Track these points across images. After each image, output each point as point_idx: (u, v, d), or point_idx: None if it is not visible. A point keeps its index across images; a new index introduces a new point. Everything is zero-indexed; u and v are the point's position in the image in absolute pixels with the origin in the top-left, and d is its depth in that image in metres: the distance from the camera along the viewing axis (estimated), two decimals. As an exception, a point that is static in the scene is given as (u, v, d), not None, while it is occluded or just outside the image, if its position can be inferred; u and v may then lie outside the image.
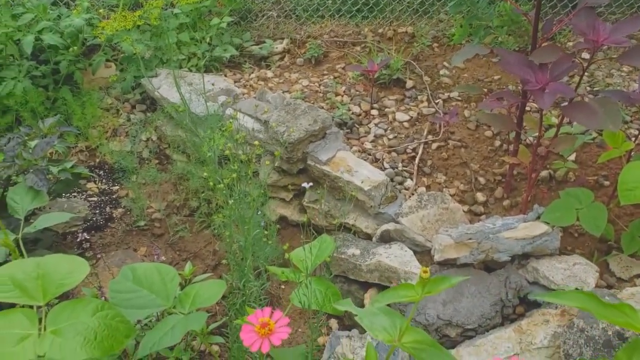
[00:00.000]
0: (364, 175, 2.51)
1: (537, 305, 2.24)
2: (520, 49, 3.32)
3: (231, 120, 2.73)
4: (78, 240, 2.50)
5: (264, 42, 3.52)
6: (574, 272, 2.11)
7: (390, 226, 2.38)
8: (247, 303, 1.79)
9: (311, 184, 2.03)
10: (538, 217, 2.26)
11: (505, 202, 2.61)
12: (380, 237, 2.43)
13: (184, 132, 2.97)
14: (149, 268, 1.54)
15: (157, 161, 3.06)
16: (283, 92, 3.11)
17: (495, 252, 2.18)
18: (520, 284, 2.18)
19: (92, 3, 3.10)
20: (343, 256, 2.38)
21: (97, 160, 3.00)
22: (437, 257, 2.22)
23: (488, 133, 2.89)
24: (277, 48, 3.45)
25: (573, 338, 1.89)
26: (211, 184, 2.14)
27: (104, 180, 2.91)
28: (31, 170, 1.93)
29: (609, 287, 2.20)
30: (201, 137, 2.67)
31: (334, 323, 2.43)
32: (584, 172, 2.68)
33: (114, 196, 2.86)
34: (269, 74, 3.31)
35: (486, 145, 2.85)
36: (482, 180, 2.70)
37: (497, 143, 2.84)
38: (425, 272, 1.01)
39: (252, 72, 3.31)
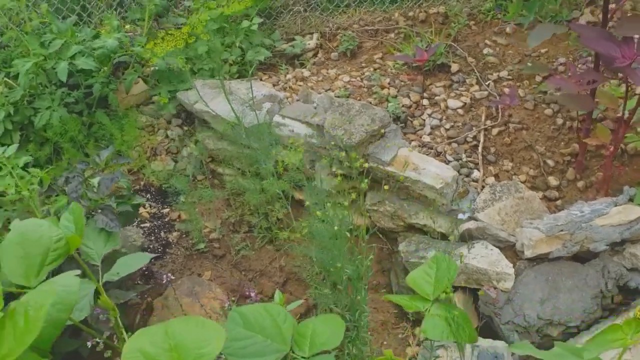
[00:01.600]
0: (432, 172, 2.37)
1: (635, 292, 2.12)
2: (575, 20, 3.17)
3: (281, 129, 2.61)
4: (140, 273, 2.38)
5: (294, 39, 3.36)
6: (680, 255, 1.99)
7: (471, 224, 2.26)
8: (359, 335, 1.67)
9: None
10: (630, 200, 2.13)
11: (580, 184, 2.48)
12: (461, 237, 2.30)
13: (229, 145, 2.83)
14: (258, 310, 1.41)
15: (202, 177, 2.93)
16: (325, 91, 2.97)
17: (591, 242, 2.05)
18: (620, 272, 2.06)
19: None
20: (423, 260, 2.25)
21: (142, 182, 2.87)
22: (528, 254, 2.10)
23: (548, 111, 2.75)
24: (309, 44, 3.30)
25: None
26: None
27: (152, 204, 2.79)
28: (99, 211, 1.80)
29: None
30: (254, 148, 2.54)
31: (419, 332, 2.31)
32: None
33: (166, 219, 2.74)
34: (306, 72, 3.16)
35: (548, 125, 2.71)
36: (550, 162, 2.57)
37: (560, 121, 2.70)
38: (644, 312, 0.88)
39: (288, 73, 3.16)
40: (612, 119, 2.62)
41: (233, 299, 2.42)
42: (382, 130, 2.50)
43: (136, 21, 3.07)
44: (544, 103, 2.80)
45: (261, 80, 3.11)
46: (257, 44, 3.18)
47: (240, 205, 2.72)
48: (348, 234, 1.90)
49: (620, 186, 2.39)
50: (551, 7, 3.19)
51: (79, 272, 1.25)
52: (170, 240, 2.65)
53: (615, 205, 2.12)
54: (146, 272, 2.43)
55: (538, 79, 2.93)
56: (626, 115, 2.15)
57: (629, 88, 2.02)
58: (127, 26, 2.74)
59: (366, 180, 1.83)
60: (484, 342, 1.96)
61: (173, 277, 1.72)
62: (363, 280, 1.70)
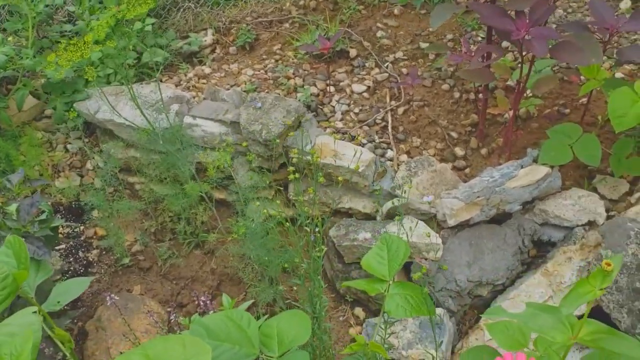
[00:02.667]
0: (351, 156, 2.45)
1: (547, 244, 2.33)
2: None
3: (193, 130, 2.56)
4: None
5: (188, 36, 3.29)
6: (583, 205, 2.21)
7: (396, 202, 2.36)
8: (320, 326, 1.69)
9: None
10: (534, 161, 2.33)
11: (483, 151, 2.67)
12: (387, 215, 2.40)
13: (138, 152, 2.73)
14: (220, 318, 1.40)
15: (112, 189, 2.81)
16: (231, 86, 2.94)
17: (506, 204, 2.23)
18: (533, 228, 2.25)
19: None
20: (356, 243, 2.33)
21: (50, 202, 2.70)
22: (451, 222, 2.24)
23: (445, 87, 2.92)
24: (205, 41, 3.24)
25: (604, 268, 1.99)
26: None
27: (65, 224, 2.63)
28: (24, 240, 1.68)
29: (606, 210, 2.32)
30: (169, 153, 2.47)
31: (359, 312, 2.39)
32: (543, 105, 2.79)
33: (82, 238, 2.60)
34: (207, 69, 3.11)
35: (447, 100, 2.88)
36: (454, 134, 2.74)
37: (457, 95, 2.88)
38: (608, 264, 0.99)
39: (189, 72, 3.09)
40: (504, 87, 2.84)
41: (169, 309, 2.37)
42: (299, 121, 2.53)
43: (17, 32, 2.85)
44: (440, 79, 2.96)
45: (162, 81, 3.02)
46: (151, 45, 3.07)
47: (160, 212, 2.64)
48: (282, 226, 1.92)
49: (519, 149, 2.60)
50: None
51: (35, 309, 1.18)
52: (91, 259, 2.52)
53: (522, 167, 2.31)
54: (72, 296, 2.30)
55: (431, 56, 3.10)
56: (517, 85, 2.34)
57: (524, 58, 2.20)
58: (10, 38, 2.54)
59: (292, 169, 1.85)
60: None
61: (117, 298, 1.64)
62: (318, 270, 1.73)
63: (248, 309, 2.35)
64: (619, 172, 2.32)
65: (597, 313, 2.04)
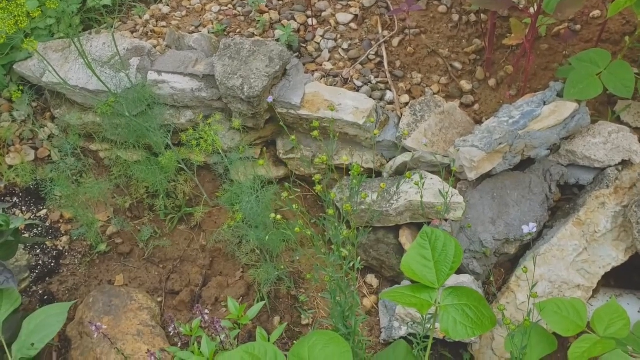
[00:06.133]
0: (350, 106, 2.12)
1: (574, 187, 2.10)
2: None
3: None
4: (38, 298, 1.97)
5: (136, -31, 2.80)
6: (614, 142, 1.96)
7: (405, 157, 2.07)
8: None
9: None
10: (558, 95, 2.05)
11: (491, 82, 2.37)
12: (396, 170, 2.12)
13: (98, 117, 2.35)
14: (242, 357, 1.14)
15: (74, 159, 2.44)
16: (196, 28, 2.53)
17: (532, 149, 1.96)
18: (560, 172, 2.01)
19: None
20: (363, 206, 2.06)
21: (2, 185, 2.33)
22: (472, 176, 1.97)
23: (442, 9, 2.55)
24: (158, -27, 2.77)
25: (649, 216, 1.77)
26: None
27: (24, 209, 2.28)
28: (-23, 266, 1.36)
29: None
30: (135, 122, 2.11)
31: (371, 279, 2.16)
32: (553, 25, 2.47)
33: (47, 224, 2.27)
34: (165, 8, 2.66)
35: (445, 24, 2.53)
36: (457, 65, 2.42)
37: (456, 17, 2.53)
38: None
39: (144, 14, 2.64)
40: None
41: (160, 299, 2.10)
42: (284, 69, 2.17)
43: None
44: (435, 0, 2.59)
45: (115, 29, 2.58)
46: (96, -16, 2.60)
47: (134, 185, 2.31)
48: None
49: (530, 77, 2.30)
50: None
51: None
52: (61, 249, 2.20)
53: (545, 104, 2.03)
54: (46, 298, 2.01)
55: (422, -28, 2.70)
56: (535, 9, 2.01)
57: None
58: None
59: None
60: (448, 280, 1.85)
61: (104, 327, 1.36)
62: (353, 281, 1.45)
63: (248, 291, 2.10)
64: (650, 97, 2.06)
65: (639, 262, 1.85)
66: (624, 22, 2.40)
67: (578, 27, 2.44)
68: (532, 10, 2.04)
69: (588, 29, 2.44)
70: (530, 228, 1.31)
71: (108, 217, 2.32)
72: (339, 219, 2.15)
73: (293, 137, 1.49)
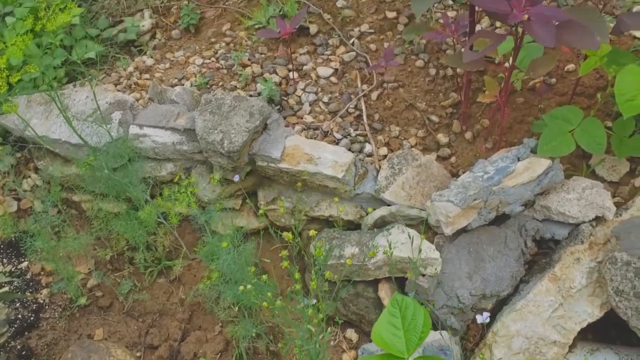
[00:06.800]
0: (329, 160, 2.17)
1: (549, 241, 2.14)
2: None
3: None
4: (16, 353, 1.95)
5: (122, 21, 2.86)
6: (588, 198, 2.01)
7: (383, 211, 2.11)
8: None
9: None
10: (532, 151, 2.10)
11: (467, 135, 2.42)
12: (374, 224, 2.15)
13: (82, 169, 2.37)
14: None
15: (55, 210, 2.46)
16: (179, 80, 2.58)
17: (506, 205, 2.00)
18: (536, 227, 2.05)
19: None
20: (342, 260, 2.08)
21: (-18, 238, 2.34)
22: (448, 231, 2.00)
23: (419, 63, 2.62)
24: (143, 26, 2.83)
25: (620, 273, 1.81)
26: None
27: (5, 261, 2.28)
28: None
29: (612, 196, 2.12)
30: (114, 178, 2.13)
31: (351, 334, 2.17)
32: (529, 79, 2.54)
33: (27, 277, 2.26)
34: (148, 60, 2.71)
35: (422, 78, 2.60)
36: (434, 118, 2.47)
37: (433, 71, 2.60)
38: None
39: (128, 65, 2.69)
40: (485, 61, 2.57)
41: (139, 354, 2.09)
42: (265, 123, 2.22)
43: None
44: (413, 54, 2.67)
45: (98, 80, 2.62)
46: (81, 37, 2.65)
47: (115, 237, 2.32)
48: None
49: (506, 130, 2.36)
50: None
51: None
52: (42, 302, 2.20)
53: (519, 160, 2.08)
54: (24, 353, 2.00)
55: (400, 27, 2.79)
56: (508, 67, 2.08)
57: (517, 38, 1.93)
58: None
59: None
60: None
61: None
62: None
63: (227, 347, 2.09)
64: (622, 154, 2.12)
65: (615, 317, 1.87)
66: (597, 76, 2.48)
67: (553, 80, 2.52)
68: (507, 65, 2.10)
69: (563, 83, 2.52)
70: (484, 318, 1.35)
71: (89, 269, 2.32)
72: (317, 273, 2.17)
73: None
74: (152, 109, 2.34)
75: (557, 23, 1.73)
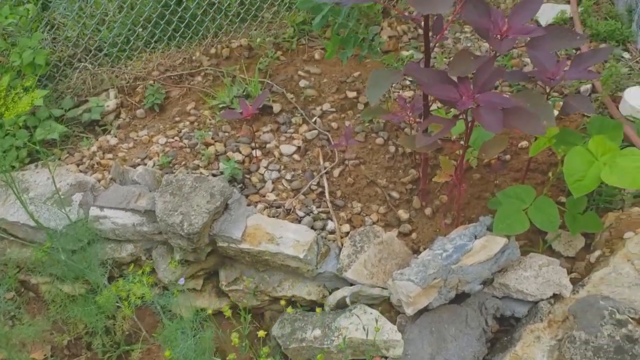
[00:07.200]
0: (290, 239, 2.17)
1: (510, 318, 2.15)
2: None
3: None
4: None
5: (87, 100, 2.89)
6: (545, 276, 2.04)
7: (345, 291, 2.11)
8: None
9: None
10: (488, 229, 2.14)
11: (427, 211, 2.47)
12: (337, 304, 2.14)
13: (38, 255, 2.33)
14: None
15: (12, 294, 2.39)
16: (142, 160, 2.59)
17: (465, 284, 2.02)
18: (496, 305, 2.07)
19: None
20: (304, 344, 2.05)
21: None
22: (409, 311, 2.00)
23: (379, 141, 2.69)
24: (108, 106, 2.86)
25: (580, 352, 1.82)
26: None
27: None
28: None
29: (567, 271, 2.16)
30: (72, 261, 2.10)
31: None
32: (480, 157, 2.62)
33: (-23, 366, 2.17)
34: (112, 140, 2.73)
35: (383, 155, 2.66)
36: (395, 194, 2.52)
37: (392, 149, 2.66)
38: None
39: (92, 145, 2.70)
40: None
41: None
42: (226, 203, 2.23)
43: None
44: (373, 132, 2.74)
45: (60, 160, 2.62)
46: (45, 117, 2.67)
47: (73, 321, 2.25)
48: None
49: (464, 206, 2.41)
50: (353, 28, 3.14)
51: None
52: (-10, 393, 2.10)
53: (476, 238, 2.11)
54: None
55: (360, 106, 2.87)
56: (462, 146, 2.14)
57: (468, 122, 2.00)
58: None
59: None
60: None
61: None
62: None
63: None
64: (575, 230, 2.17)
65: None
66: (549, 152, 2.56)
67: (508, 157, 2.60)
68: (462, 142, 2.17)
69: (517, 159, 2.60)
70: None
71: (45, 355, 2.25)
72: (283, 356, 2.13)
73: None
74: (113, 190, 2.33)
75: (504, 109, 1.81)
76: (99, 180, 2.45)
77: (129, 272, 2.01)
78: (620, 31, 2.98)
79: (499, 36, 1.82)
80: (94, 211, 2.26)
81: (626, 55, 2.92)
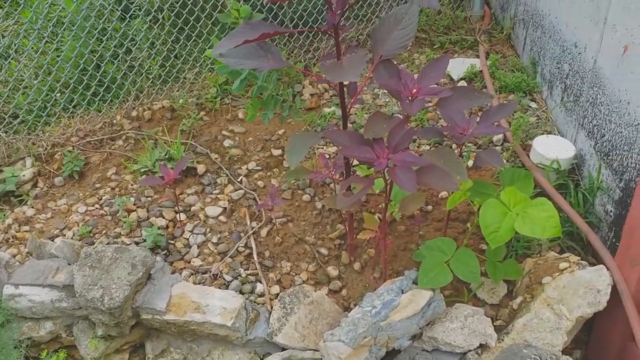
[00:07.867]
0: (217, 307, 2.13)
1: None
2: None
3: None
4: None
5: (1, 171, 2.78)
6: (471, 327, 2.08)
7: (276, 357, 2.07)
8: None
9: None
10: (414, 282, 2.17)
11: (356, 265, 2.48)
12: (268, 371, 2.10)
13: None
14: None
15: None
16: (60, 231, 2.49)
17: (394, 340, 2.03)
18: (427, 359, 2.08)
19: None
20: (236, 414, 1.99)
21: None
22: (341, 372, 1.98)
23: (306, 197, 2.71)
24: (24, 176, 2.75)
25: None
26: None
27: None
28: None
29: (492, 319, 2.21)
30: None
31: None
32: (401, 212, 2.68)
33: None
34: (29, 211, 2.62)
35: (310, 211, 2.68)
36: (323, 251, 2.53)
37: (319, 205, 2.69)
38: None
39: (7, 218, 2.58)
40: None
41: None
42: (149, 273, 2.16)
43: None
44: (299, 189, 2.76)
45: (-29, 235, 2.48)
46: (-46, 191, 2.54)
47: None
48: None
49: (391, 257, 2.44)
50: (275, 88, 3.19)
51: None
52: None
53: (403, 292, 2.14)
54: None
55: (286, 164, 2.90)
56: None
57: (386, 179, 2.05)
58: None
59: None
60: None
61: None
62: None
63: None
64: (497, 278, 2.24)
65: None
66: (468, 202, 2.66)
67: (430, 207, 2.67)
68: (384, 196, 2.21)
69: (438, 209, 2.68)
70: None
71: None
72: None
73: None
74: (29, 266, 2.23)
75: (418, 167, 1.87)
76: (14, 256, 2.34)
77: (43, 358, 1.90)
78: (526, 82, 3.17)
79: (410, 98, 1.90)
80: (8, 289, 2.15)
81: (533, 105, 3.10)
